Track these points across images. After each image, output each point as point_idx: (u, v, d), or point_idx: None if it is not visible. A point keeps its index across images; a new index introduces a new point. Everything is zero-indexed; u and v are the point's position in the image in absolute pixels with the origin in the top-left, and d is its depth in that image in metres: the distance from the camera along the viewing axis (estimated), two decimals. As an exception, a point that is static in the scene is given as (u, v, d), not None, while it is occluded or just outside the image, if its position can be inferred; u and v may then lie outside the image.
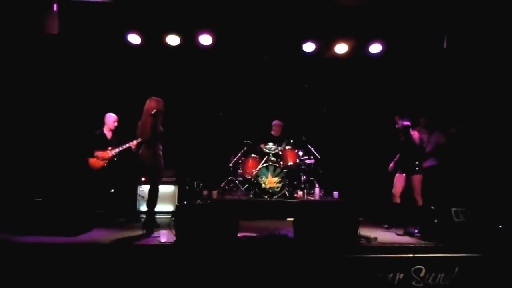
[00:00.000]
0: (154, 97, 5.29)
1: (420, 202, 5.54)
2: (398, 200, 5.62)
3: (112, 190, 5.99)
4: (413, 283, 4.19)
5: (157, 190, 5.27)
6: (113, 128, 6.05)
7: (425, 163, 5.95)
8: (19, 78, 6.28)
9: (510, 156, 6.02)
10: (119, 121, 6.11)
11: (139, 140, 5.31)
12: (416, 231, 5.16)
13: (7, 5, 5.59)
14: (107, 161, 5.89)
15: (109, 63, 6.91)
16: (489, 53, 6.14)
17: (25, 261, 4.11)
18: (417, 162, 5.61)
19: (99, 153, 5.87)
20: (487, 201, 5.54)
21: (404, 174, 5.63)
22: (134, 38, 6.29)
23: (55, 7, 5.61)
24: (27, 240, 4.45)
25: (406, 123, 5.55)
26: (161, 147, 5.30)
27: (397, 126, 5.73)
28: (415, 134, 5.62)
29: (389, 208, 5.68)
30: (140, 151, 5.29)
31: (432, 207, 4.95)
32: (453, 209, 4.77)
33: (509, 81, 6.09)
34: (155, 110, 5.07)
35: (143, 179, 6.43)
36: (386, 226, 5.57)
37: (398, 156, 5.89)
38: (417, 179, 5.55)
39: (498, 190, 5.82)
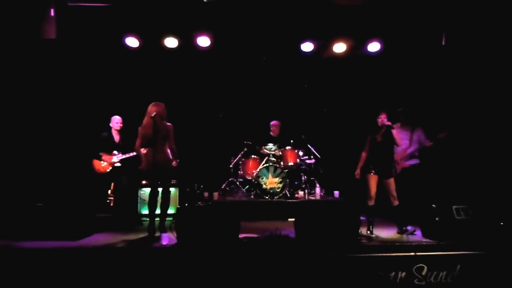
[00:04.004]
0: (155, 102, 5.30)
1: (395, 203, 5.28)
2: (373, 203, 5.28)
3: (112, 196, 5.99)
4: (415, 281, 4.20)
5: (169, 192, 5.39)
6: (118, 128, 6.00)
7: (407, 162, 5.90)
8: (19, 84, 6.28)
9: (511, 153, 6.01)
10: (123, 124, 6.07)
11: (145, 150, 5.25)
12: (410, 228, 5.17)
13: (4, 11, 5.60)
14: (110, 166, 5.88)
15: (107, 66, 6.91)
16: (488, 50, 6.13)
17: (28, 266, 4.12)
18: (392, 165, 5.35)
19: (105, 156, 5.87)
20: (488, 198, 5.52)
21: (376, 176, 5.29)
22: (132, 41, 6.29)
23: (52, 12, 5.61)
24: (29, 245, 4.46)
25: (388, 123, 5.27)
26: (169, 151, 5.30)
27: (379, 120, 5.34)
28: (395, 134, 5.32)
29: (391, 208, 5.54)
30: (150, 156, 5.15)
31: (433, 205, 4.94)
32: (454, 207, 4.77)
33: (509, 78, 6.08)
34: (154, 113, 5.09)
35: (143, 182, 6.44)
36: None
37: (364, 158, 5.48)
38: (392, 182, 5.29)
39: (499, 187, 5.81)
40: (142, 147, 5.18)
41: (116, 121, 6.00)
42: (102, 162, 5.87)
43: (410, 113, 6.05)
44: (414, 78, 6.97)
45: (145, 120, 5.24)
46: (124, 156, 5.90)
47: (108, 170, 5.89)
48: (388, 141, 5.34)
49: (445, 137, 5.83)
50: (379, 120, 5.36)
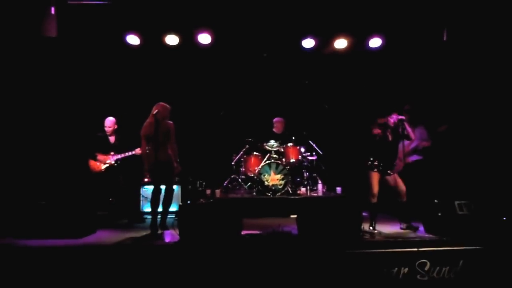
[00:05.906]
0: (161, 103, 5.24)
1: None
2: (376, 200, 5.21)
3: (111, 199, 6.00)
4: (418, 277, 4.19)
5: (173, 190, 5.36)
6: (109, 132, 5.96)
7: (410, 158, 5.91)
8: (20, 82, 6.28)
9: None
10: (121, 122, 6.05)
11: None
12: (414, 224, 5.16)
13: (5, 9, 5.59)
14: (106, 166, 5.88)
15: (108, 64, 6.91)
16: (489, 46, 6.10)
17: (30, 265, 4.12)
18: (394, 163, 5.29)
19: (100, 157, 5.86)
20: (490, 193, 5.51)
21: (379, 174, 5.21)
22: (133, 39, 6.29)
23: (52, 10, 5.61)
24: (31, 244, 4.47)
25: (402, 117, 5.16)
26: (170, 149, 5.25)
27: (391, 120, 5.21)
28: (408, 127, 5.20)
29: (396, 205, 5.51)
30: (152, 155, 5.10)
31: (436, 201, 4.94)
32: (456, 202, 4.76)
33: (510, 74, 6.05)
34: (156, 111, 5.08)
35: (145, 179, 6.43)
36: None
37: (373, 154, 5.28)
38: (392, 179, 5.28)
39: (501, 182, 5.80)
40: (146, 148, 5.16)
41: (108, 124, 5.93)
42: (97, 162, 5.87)
43: (416, 110, 6.05)
44: (415, 74, 6.96)
45: (148, 120, 5.23)
46: (119, 156, 5.88)
47: (102, 169, 5.88)
48: (397, 139, 5.25)
49: (445, 131, 5.81)
50: (391, 120, 5.22)
